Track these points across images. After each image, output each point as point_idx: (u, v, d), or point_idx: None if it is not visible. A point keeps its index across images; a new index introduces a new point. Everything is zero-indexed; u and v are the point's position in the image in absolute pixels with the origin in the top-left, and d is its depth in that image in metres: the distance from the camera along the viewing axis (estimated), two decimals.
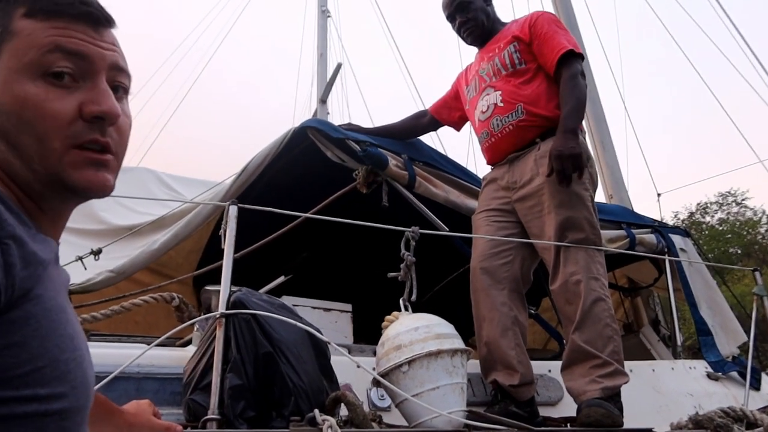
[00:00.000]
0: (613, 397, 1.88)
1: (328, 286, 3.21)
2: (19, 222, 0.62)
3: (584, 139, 2.19)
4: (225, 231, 1.72)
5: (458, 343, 1.70)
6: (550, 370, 2.34)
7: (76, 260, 2.38)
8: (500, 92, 2.26)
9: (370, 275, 3.57)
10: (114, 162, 0.73)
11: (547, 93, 2.21)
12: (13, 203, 0.65)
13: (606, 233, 2.88)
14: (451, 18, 2.48)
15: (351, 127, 2.67)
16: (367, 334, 3.06)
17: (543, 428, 1.90)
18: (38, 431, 0.59)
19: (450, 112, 2.67)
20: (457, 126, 2.73)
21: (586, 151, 2.16)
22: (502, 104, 2.25)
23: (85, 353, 0.69)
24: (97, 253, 2.35)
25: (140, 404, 1.24)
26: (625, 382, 1.93)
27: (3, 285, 0.55)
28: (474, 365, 2.12)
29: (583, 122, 2.33)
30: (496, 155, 2.32)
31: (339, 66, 7.90)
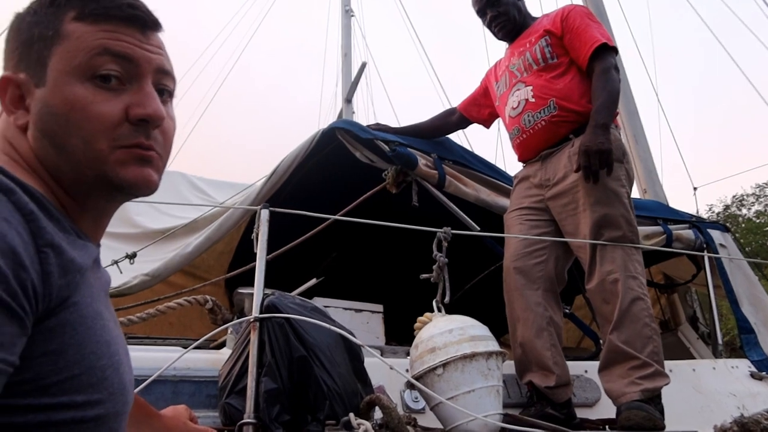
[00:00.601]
0: (654, 399, 1.83)
1: (358, 286, 3.21)
2: (59, 229, 0.63)
3: (619, 134, 2.13)
4: (257, 235, 1.72)
5: (493, 346, 1.67)
6: (586, 371, 2.29)
7: (112, 264, 2.43)
8: (531, 87, 2.22)
9: (400, 275, 3.56)
10: (159, 161, 0.74)
11: (579, 87, 2.16)
12: (55, 206, 0.66)
13: (642, 230, 2.80)
14: (481, 13, 2.44)
15: (379, 127, 2.66)
16: (399, 334, 3.05)
17: (583, 431, 1.86)
18: None
19: (479, 109, 2.64)
20: (487, 123, 2.69)
21: (621, 146, 2.10)
22: (533, 100, 2.21)
23: (123, 358, 0.69)
24: (132, 257, 2.39)
25: (177, 409, 1.25)
26: (666, 384, 1.88)
27: (41, 294, 0.55)
28: (508, 366, 2.10)
29: (618, 117, 2.26)
30: (527, 152, 2.28)
31: (363, 65, 7.89)
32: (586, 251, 2.03)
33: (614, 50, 2.18)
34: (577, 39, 2.18)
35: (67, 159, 0.68)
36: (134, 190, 0.71)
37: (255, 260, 2.75)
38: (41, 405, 0.56)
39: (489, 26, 2.45)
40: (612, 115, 2.06)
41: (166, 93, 0.76)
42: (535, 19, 2.43)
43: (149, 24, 0.74)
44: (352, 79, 8.13)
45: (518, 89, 2.28)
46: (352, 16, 9.42)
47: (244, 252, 3.39)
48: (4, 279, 0.50)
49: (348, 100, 8.07)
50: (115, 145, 0.68)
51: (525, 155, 2.31)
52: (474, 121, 2.70)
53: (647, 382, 1.84)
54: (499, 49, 2.63)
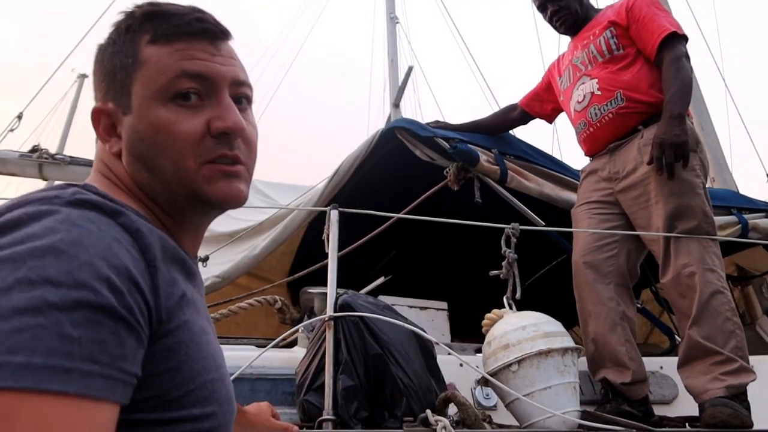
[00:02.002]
0: (739, 395, 1.76)
1: (420, 284, 3.21)
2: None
3: (692, 124, 2.06)
4: (328, 235, 1.75)
5: (568, 342, 1.65)
6: (662, 367, 2.22)
7: None
8: (597, 80, 2.16)
9: (462, 272, 3.55)
10: (245, 172, 0.76)
11: (648, 78, 2.09)
12: (156, 226, 0.69)
13: (715, 220, 2.70)
14: (542, 8, 2.39)
15: (439, 125, 2.65)
16: (462, 331, 3.04)
17: (664, 429, 1.81)
18: None
19: (542, 104, 2.59)
20: (550, 118, 2.65)
21: (695, 135, 2.02)
22: (599, 92, 2.15)
23: (225, 369, 0.72)
24: (204, 260, 2.47)
25: (260, 406, 1.29)
26: (752, 380, 1.80)
27: (153, 308, 0.58)
28: (580, 363, 2.06)
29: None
30: (595, 146, 2.23)
31: (410, 69, 7.84)
32: (659, 244, 1.97)
33: (684, 38, 2.10)
34: (644, 29, 2.11)
35: (160, 180, 0.71)
36: (224, 205, 0.73)
37: (316, 260, 2.81)
38: (165, 419, 0.59)
39: (550, 21, 2.40)
40: (686, 104, 1.98)
41: (244, 100, 0.78)
42: (598, 10, 2.36)
43: (219, 35, 0.76)
44: (399, 84, 8.11)
45: (583, 83, 2.22)
46: (397, 22, 9.41)
47: (306, 252, 3.46)
48: (121, 295, 0.53)
49: (396, 105, 8.05)
50: (202, 161, 0.70)
51: (592, 149, 2.26)
52: (536, 116, 2.65)
53: (731, 378, 1.77)
54: (551, 46, 2.58)
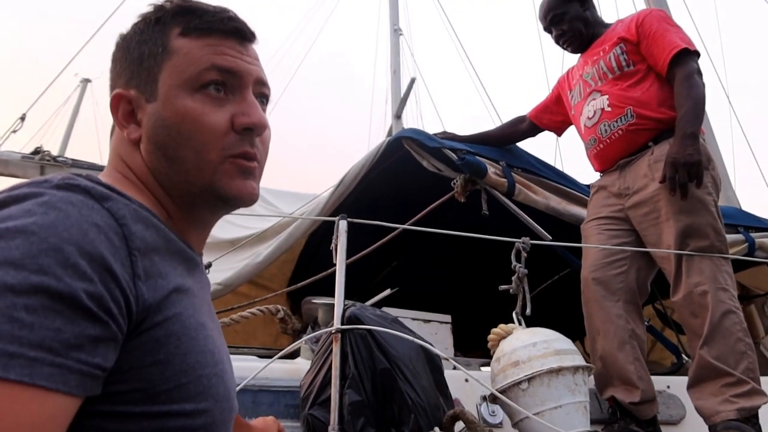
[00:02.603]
0: (751, 418, 1.73)
1: (423, 296, 3.18)
2: (159, 237, 0.64)
3: (704, 141, 2.04)
4: (336, 245, 1.71)
5: (579, 360, 1.62)
6: (669, 386, 2.19)
7: None
8: (607, 96, 2.15)
9: (466, 285, 3.52)
10: (259, 171, 0.76)
11: (659, 95, 2.07)
12: (161, 219, 0.67)
13: None
14: (548, 31, 2.41)
15: (447, 136, 2.64)
16: (465, 345, 3.01)
17: None
18: None
19: (551, 116, 2.58)
20: (559, 131, 2.63)
21: (707, 152, 2.00)
22: (609, 108, 2.13)
23: (226, 366, 0.70)
24: (207, 266, 2.44)
25: (267, 421, 1.26)
26: (764, 403, 1.77)
27: (133, 297, 0.56)
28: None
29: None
30: (605, 162, 2.21)
31: (413, 81, 7.82)
32: (671, 262, 1.94)
33: (696, 54, 2.08)
34: (655, 45, 2.09)
35: (178, 170, 0.71)
36: (238, 202, 0.73)
37: (317, 269, 2.78)
38: (153, 413, 0.57)
39: (557, 43, 2.41)
40: (699, 123, 1.95)
41: (264, 100, 0.80)
42: (608, 26, 2.35)
43: (248, 36, 0.77)
44: (402, 95, 8.09)
45: (594, 98, 2.21)
46: (401, 34, 9.42)
47: (307, 261, 3.43)
48: (89, 283, 0.51)
49: (398, 116, 8.03)
50: (224, 155, 0.71)
51: (602, 165, 2.24)
52: (545, 128, 2.63)
53: (743, 400, 1.74)
54: (554, 57, 2.59)
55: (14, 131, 3.63)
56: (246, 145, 0.72)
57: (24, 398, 0.47)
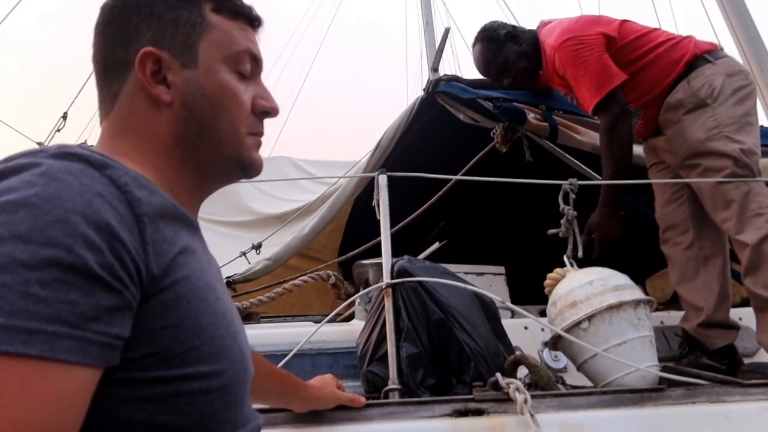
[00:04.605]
0: None
1: (474, 251, 3.14)
2: (159, 202, 0.63)
3: (714, 62, 1.91)
4: (378, 201, 1.69)
5: (639, 294, 1.55)
6: (741, 318, 2.09)
7: (240, 256, 2.54)
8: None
9: (516, 236, 3.46)
10: None
11: (637, 86, 1.99)
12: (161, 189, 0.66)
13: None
14: (497, 81, 2.33)
15: (482, 83, 2.55)
16: (522, 296, 2.96)
17: (754, 381, 1.69)
18: (207, 407, 0.60)
19: None
20: None
21: (710, 88, 1.86)
22: None
23: (239, 329, 0.70)
24: (257, 247, 2.49)
25: (324, 378, 1.27)
26: None
27: (143, 264, 0.55)
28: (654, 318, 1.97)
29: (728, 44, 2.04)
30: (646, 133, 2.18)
31: (447, 31, 7.66)
32: (704, 199, 1.86)
33: (612, 99, 1.91)
34: (577, 94, 2.03)
35: (210, 139, 0.73)
36: (253, 172, 0.79)
37: (365, 235, 2.78)
38: (169, 377, 0.57)
39: (512, 89, 2.36)
40: (621, 192, 1.92)
41: None
42: (535, 36, 2.20)
43: (261, 25, 0.83)
44: (437, 47, 7.93)
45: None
46: None
47: (354, 228, 3.43)
48: (99, 253, 0.50)
49: (435, 69, 7.90)
50: (248, 131, 0.77)
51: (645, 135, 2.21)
52: None
53: None
54: (590, 7, 2.47)
55: (58, 130, 3.74)
56: (261, 126, 0.80)
57: (48, 373, 0.46)
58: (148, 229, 0.56)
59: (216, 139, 0.73)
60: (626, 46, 1.97)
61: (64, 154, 0.56)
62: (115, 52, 0.73)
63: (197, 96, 0.72)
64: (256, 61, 0.79)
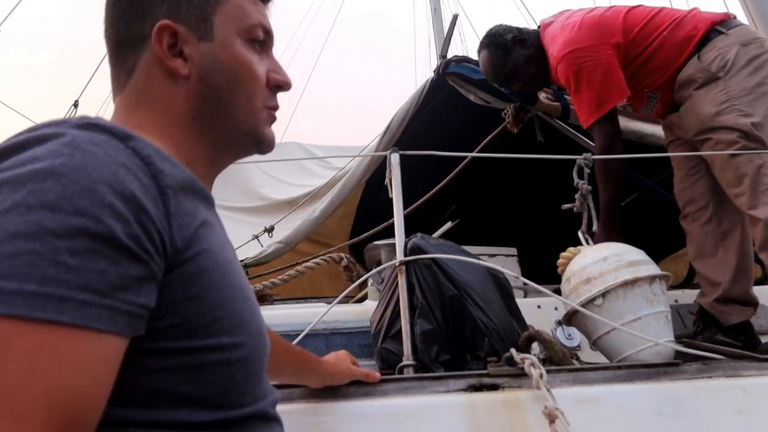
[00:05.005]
0: None
1: (486, 233, 3.14)
2: (179, 174, 0.63)
3: (727, 33, 1.87)
4: (390, 180, 1.69)
5: (654, 269, 1.54)
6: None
7: (253, 239, 2.56)
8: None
9: (529, 218, 3.45)
10: None
11: (648, 73, 1.96)
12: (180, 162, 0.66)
13: None
14: (506, 87, 2.29)
15: None
16: (534, 277, 2.95)
17: None
18: (229, 379, 0.61)
19: None
20: None
21: (723, 61, 1.83)
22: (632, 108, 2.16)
23: (255, 305, 0.70)
24: (270, 230, 2.49)
25: (339, 354, 1.28)
26: None
27: (167, 235, 0.55)
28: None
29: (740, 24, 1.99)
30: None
31: (455, 17, 7.60)
32: (717, 174, 1.85)
33: (606, 118, 1.92)
34: (576, 107, 2.02)
35: (226, 113, 0.73)
36: (266, 147, 0.79)
37: (375, 220, 2.77)
38: (192, 347, 0.57)
39: (521, 93, 2.33)
40: (616, 214, 1.88)
41: None
42: (539, 37, 2.14)
43: (270, 2, 0.83)
44: (445, 34, 7.87)
45: None
46: None
47: (365, 213, 3.44)
48: (126, 223, 0.50)
49: (443, 56, 7.85)
50: (263, 105, 0.76)
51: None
52: None
53: None
54: None
55: None
56: (275, 100, 0.79)
57: (79, 341, 0.47)
58: (171, 202, 0.56)
59: (232, 113, 0.73)
60: (632, 41, 1.94)
61: (88, 124, 0.56)
62: (129, 26, 0.73)
63: (214, 69, 0.72)
64: (269, 35, 0.78)
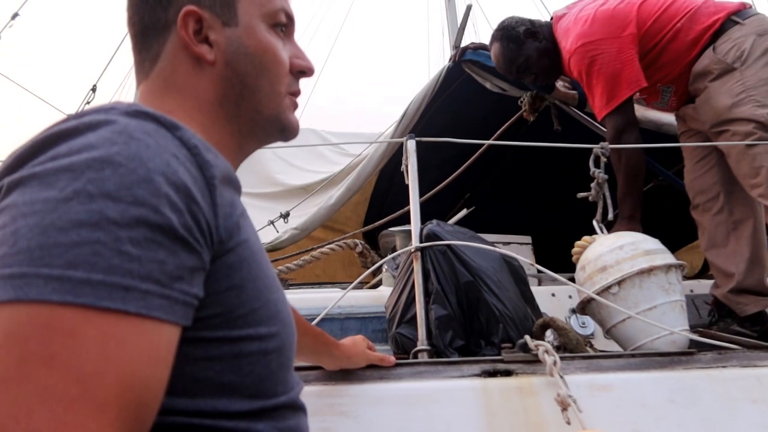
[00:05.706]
0: None
1: (500, 222, 3.14)
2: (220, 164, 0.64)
3: (743, 23, 1.84)
4: (406, 166, 1.70)
5: (670, 258, 1.54)
6: None
7: (269, 224, 2.58)
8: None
9: (544, 207, 3.44)
10: None
11: (658, 62, 1.93)
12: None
13: None
14: (519, 79, 2.26)
15: None
16: (549, 266, 2.95)
17: None
18: (265, 368, 0.61)
19: None
20: None
21: (739, 50, 1.80)
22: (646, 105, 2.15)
23: (284, 293, 0.71)
24: (285, 216, 2.51)
25: (355, 339, 1.29)
26: None
27: (213, 226, 0.56)
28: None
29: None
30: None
31: (469, 8, 7.51)
32: (733, 165, 1.83)
33: (620, 109, 1.90)
34: (590, 101, 1.99)
35: (252, 98, 0.73)
36: (290, 134, 0.79)
37: (390, 207, 2.78)
38: (233, 337, 0.58)
39: (534, 87, 2.31)
40: (638, 203, 1.86)
41: None
42: (551, 29, 2.11)
43: None
44: (459, 24, 7.80)
45: None
46: None
47: (379, 200, 3.45)
48: (180, 214, 0.51)
49: (456, 47, 7.78)
50: (287, 90, 0.76)
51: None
52: None
53: None
54: None
55: (88, 102, 3.77)
56: (298, 85, 0.79)
57: (143, 330, 0.47)
58: (216, 193, 0.57)
59: (257, 98, 0.73)
60: (646, 34, 1.91)
61: (137, 112, 0.56)
62: (154, 12, 0.73)
63: (239, 54, 0.72)
64: (291, 20, 0.78)
